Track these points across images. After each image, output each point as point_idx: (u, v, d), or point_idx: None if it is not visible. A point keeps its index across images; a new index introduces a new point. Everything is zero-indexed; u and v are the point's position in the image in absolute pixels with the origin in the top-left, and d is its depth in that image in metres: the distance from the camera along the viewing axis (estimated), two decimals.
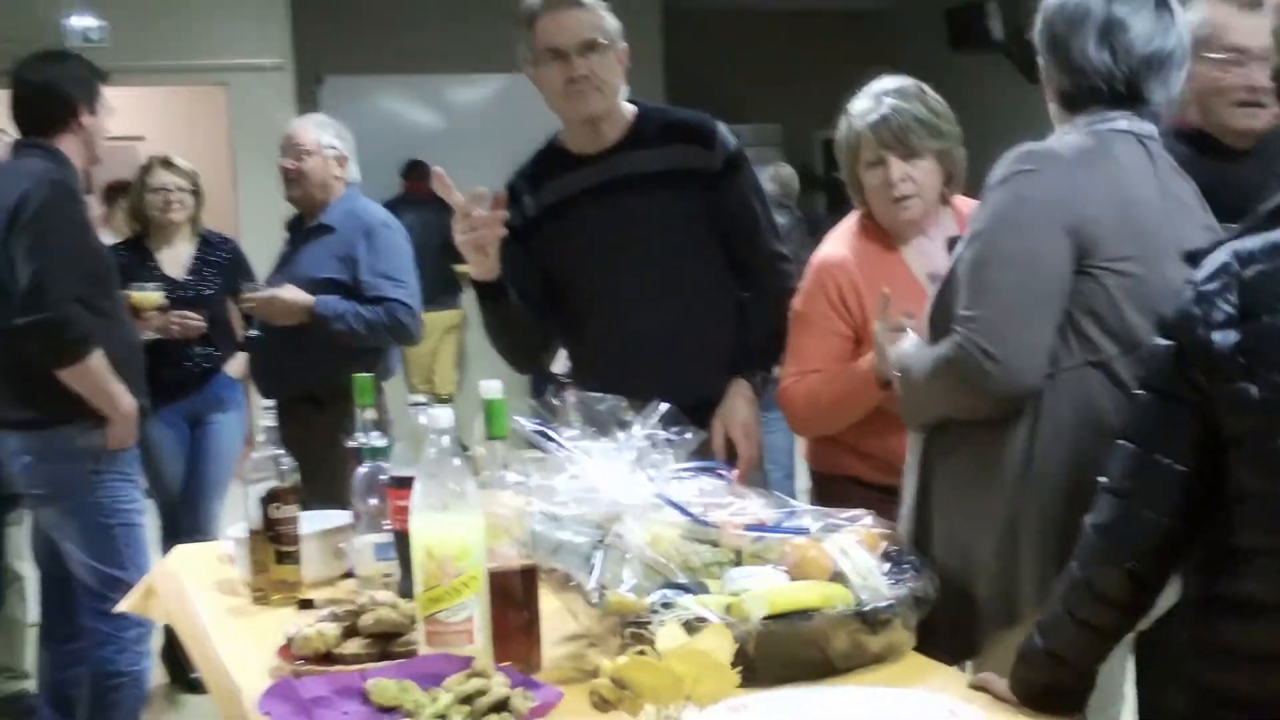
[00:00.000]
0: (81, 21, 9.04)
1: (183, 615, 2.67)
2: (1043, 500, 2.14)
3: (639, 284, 3.11)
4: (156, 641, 4.22)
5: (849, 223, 3.00)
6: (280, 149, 4.55)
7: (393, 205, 9.27)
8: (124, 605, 3.08)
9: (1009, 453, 2.17)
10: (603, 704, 1.55)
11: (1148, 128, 2.27)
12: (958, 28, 11.20)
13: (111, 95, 3.99)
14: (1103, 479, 1.81)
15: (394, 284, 4.35)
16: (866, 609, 1.93)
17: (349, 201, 4.50)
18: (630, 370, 3.00)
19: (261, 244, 5.61)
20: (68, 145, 3.76)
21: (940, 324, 2.26)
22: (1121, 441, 1.80)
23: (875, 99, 2.87)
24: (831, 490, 2.94)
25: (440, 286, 8.56)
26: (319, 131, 4.50)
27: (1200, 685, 1.75)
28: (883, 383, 2.68)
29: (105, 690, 3.83)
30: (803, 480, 3.57)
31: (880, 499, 2.52)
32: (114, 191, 6.66)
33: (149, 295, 4.70)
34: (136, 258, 4.93)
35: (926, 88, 2.93)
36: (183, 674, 4.94)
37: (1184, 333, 1.73)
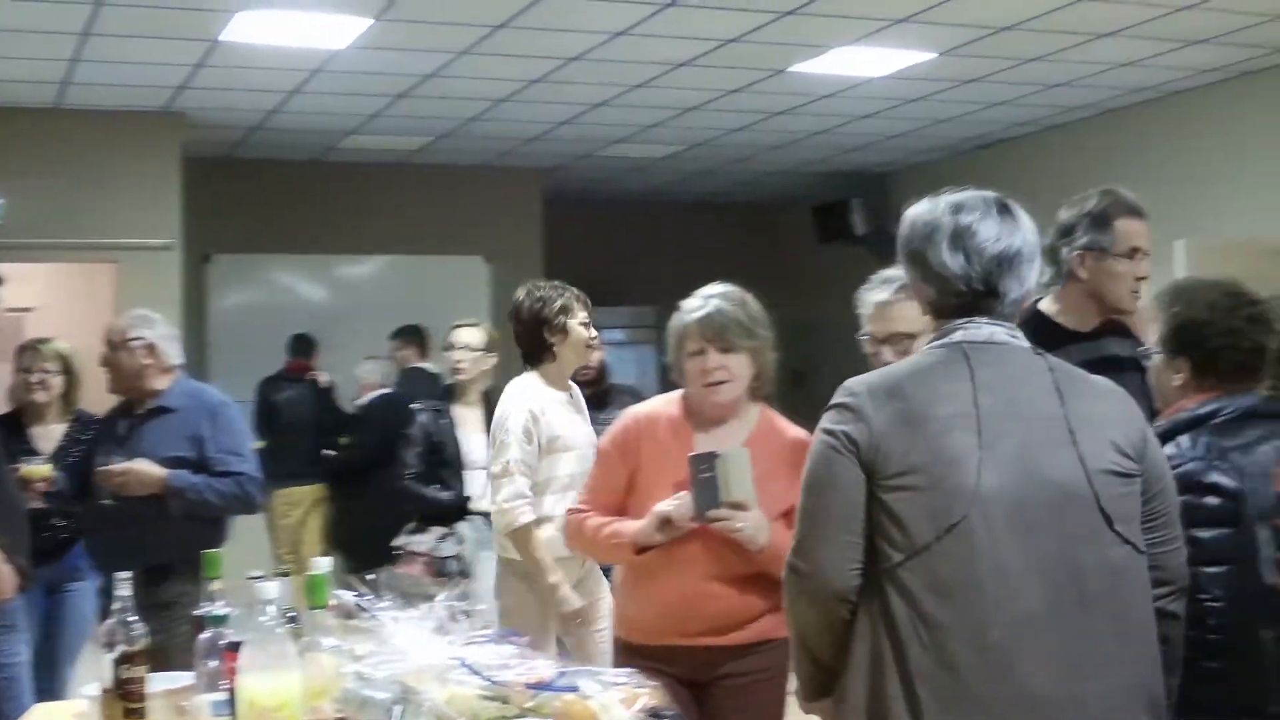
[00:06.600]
0: None
1: None
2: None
3: None
4: None
5: (673, 394, 3.51)
6: None
7: (273, 381, 9.54)
8: None
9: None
10: None
11: (1005, 330, 2.44)
12: (823, 223, 11.87)
13: (4, 269, 4.28)
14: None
15: (239, 459, 4.72)
16: None
17: (185, 384, 4.87)
18: None
19: None
20: None
21: None
22: None
23: (704, 299, 3.41)
24: None
25: (310, 460, 8.77)
26: (126, 326, 4.83)
27: None
28: (636, 549, 3.29)
29: None
30: None
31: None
32: None
33: (38, 468, 4.93)
34: (9, 433, 5.09)
35: (748, 296, 3.45)
36: None
37: None
